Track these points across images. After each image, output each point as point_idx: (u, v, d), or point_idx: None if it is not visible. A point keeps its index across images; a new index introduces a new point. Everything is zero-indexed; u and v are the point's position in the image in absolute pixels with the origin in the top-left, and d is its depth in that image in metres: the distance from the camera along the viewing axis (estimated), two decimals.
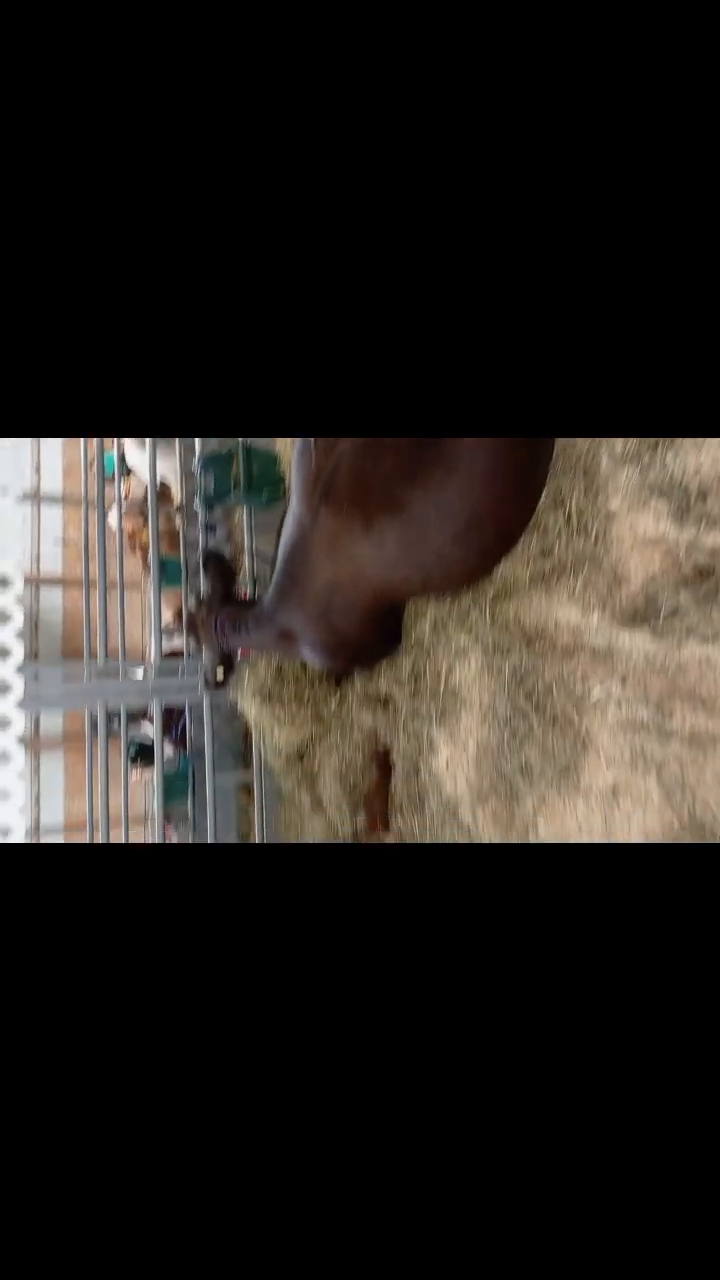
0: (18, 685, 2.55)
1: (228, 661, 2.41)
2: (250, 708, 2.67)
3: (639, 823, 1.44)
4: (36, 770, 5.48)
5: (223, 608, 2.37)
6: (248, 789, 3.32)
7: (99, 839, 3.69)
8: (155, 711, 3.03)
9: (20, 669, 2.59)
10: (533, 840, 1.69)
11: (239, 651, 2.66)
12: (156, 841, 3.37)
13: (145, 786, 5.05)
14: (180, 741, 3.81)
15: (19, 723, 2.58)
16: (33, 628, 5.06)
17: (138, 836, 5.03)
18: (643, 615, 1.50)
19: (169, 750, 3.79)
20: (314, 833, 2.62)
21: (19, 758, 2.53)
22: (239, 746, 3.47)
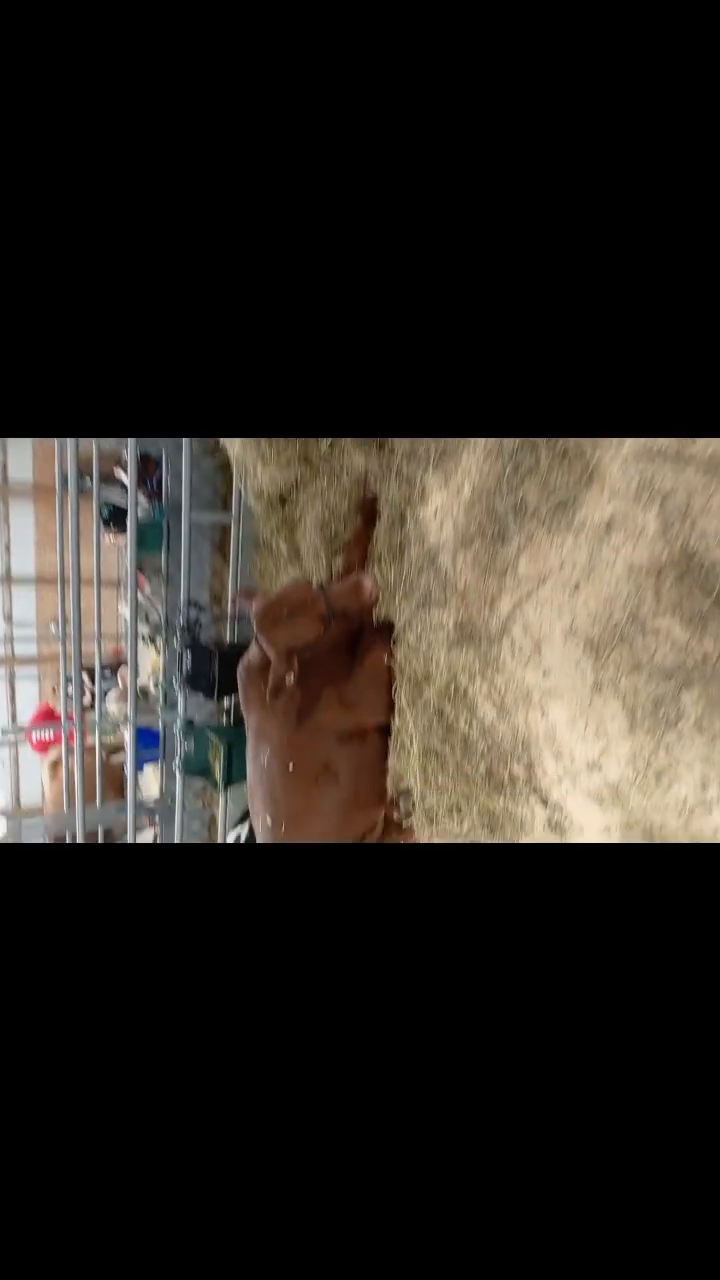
0: None
1: None
2: (232, 441, 2.47)
3: (626, 556, 1.39)
4: (6, 518, 5.26)
5: None
6: (224, 532, 3.23)
7: (69, 595, 3.66)
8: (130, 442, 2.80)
9: None
10: (508, 581, 1.67)
11: None
12: (129, 594, 3.36)
13: (118, 551, 4.96)
14: (155, 493, 3.63)
15: None
16: None
17: (110, 596, 5.08)
18: None
19: (144, 501, 3.62)
20: (289, 581, 2.60)
21: None
22: (217, 495, 3.32)
